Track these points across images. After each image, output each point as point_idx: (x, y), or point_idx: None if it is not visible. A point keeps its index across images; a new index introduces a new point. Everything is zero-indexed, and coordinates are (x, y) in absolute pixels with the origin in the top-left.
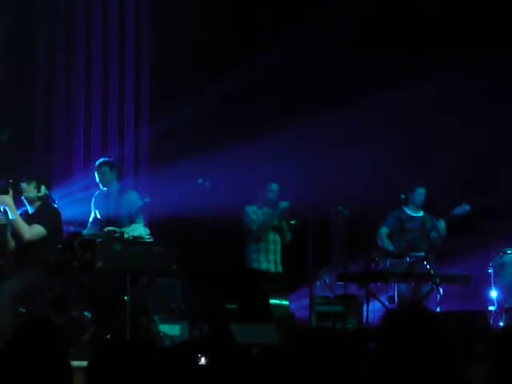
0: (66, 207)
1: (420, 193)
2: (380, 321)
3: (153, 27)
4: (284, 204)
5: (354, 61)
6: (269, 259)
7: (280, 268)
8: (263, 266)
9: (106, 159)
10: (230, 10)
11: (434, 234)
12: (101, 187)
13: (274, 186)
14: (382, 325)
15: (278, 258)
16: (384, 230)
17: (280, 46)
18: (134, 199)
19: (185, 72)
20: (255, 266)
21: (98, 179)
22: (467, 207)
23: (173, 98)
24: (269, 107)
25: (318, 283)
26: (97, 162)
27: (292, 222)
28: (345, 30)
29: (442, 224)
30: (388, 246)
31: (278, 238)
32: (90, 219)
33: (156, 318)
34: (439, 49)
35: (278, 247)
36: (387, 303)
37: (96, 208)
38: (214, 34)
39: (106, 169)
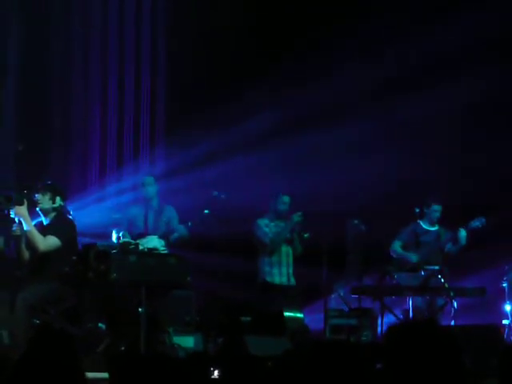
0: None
1: (436, 209)
2: (384, 337)
3: (169, 42)
4: (297, 217)
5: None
6: (282, 272)
7: (293, 281)
8: (276, 279)
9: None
10: (245, 24)
11: (449, 246)
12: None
13: (286, 198)
14: (385, 341)
15: (291, 271)
16: (397, 244)
17: (295, 59)
18: (172, 213)
19: (200, 86)
20: (268, 279)
21: (144, 191)
22: (483, 220)
23: (188, 111)
24: (282, 118)
25: (332, 296)
26: (142, 176)
27: (305, 235)
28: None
29: (463, 233)
30: (411, 258)
31: (290, 250)
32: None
33: (170, 329)
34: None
35: (291, 260)
36: (401, 316)
37: (133, 219)
38: (231, 46)
39: (151, 180)
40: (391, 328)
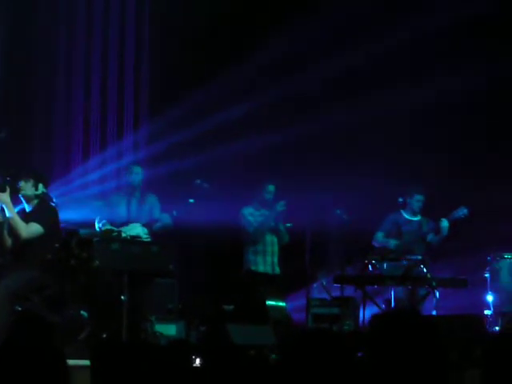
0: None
1: (418, 199)
2: (368, 326)
3: (153, 25)
4: (280, 206)
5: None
6: (266, 261)
7: (278, 270)
8: (260, 268)
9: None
10: (230, 8)
11: (431, 237)
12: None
13: (271, 187)
14: (370, 330)
15: (276, 260)
16: (380, 234)
17: (279, 45)
18: (154, 202)
19: (185, 70)
20: (253, 268)
21: (129, 179)
22: (465, 210)
23: (171, 96)
24: (268, 105)
25: (314, 285)
26: (129, 163)
27: (288, 224)
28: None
29: (445, 223)
30: (390, 243)
31: (275, 239)
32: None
33: (153, 317)
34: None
35: (276, 249)
36: (383, 306)
37: (115, 207)
38: (217, 29)
39: (138, 170)
40: (375, 317)
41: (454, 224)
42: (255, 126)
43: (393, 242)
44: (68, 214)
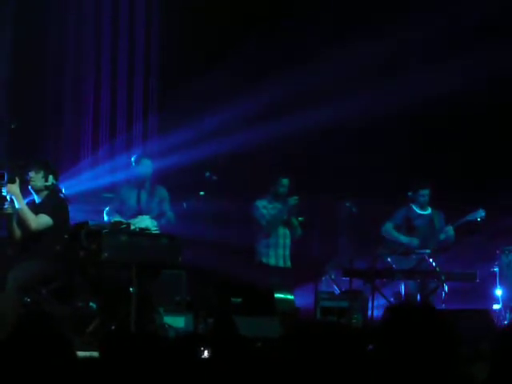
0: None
1: (423, 194)
2: (381, 318)
3: (163, 12)
4: (292, 200)
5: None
6: (278, 254)
7: (289, 263)
8: (272, 260)
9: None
10: None
11: (443, 236)
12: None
13: (285, 181)
14: (383, 322)
15: (288, 253)
16: (390, 226)
17: (287, 28)
18: (164, 194)
19: (196, 59)
20: (264, 260)
21: (139, 171)
22: (483, 213)
23: (181, 86)
24: (278, 91)
25: (323, 278)
26: (139, 155)
27: (300, 218)
28: None
29: (450, 231)
30: (400, 239)
31: (287, 232)
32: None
33: (161, 309)
34: None
35: (288, 242)
36: (392, 299)
37: (125, 199)
38: (223, 15)
39: (148, 162)
40: (389, 309)
41: (469, 225)
42: (267, 116)
43: (403, 238)
44: (78, 206)
